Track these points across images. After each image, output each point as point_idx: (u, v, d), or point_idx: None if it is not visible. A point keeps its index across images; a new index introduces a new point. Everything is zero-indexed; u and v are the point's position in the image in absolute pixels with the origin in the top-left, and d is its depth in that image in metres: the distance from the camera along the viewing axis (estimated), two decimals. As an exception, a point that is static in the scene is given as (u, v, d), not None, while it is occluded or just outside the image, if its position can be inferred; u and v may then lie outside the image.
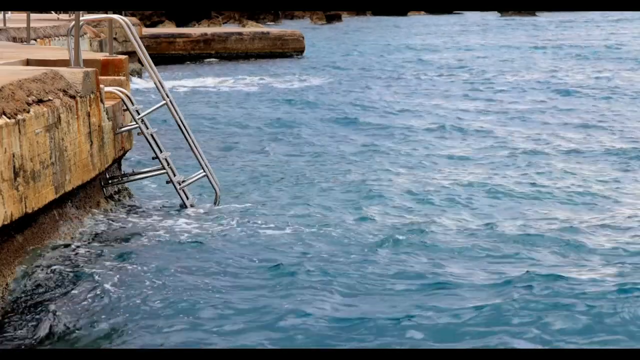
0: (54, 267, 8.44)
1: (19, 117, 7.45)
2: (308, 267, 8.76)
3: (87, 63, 10.56)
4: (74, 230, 9.14)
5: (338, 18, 76.35)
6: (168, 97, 10.90)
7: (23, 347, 7.06)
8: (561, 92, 25.72)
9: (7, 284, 7.47)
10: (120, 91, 10.54)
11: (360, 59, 39.40)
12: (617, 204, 12.23)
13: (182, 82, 29.81)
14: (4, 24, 19.27)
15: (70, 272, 8.59)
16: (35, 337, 7.16)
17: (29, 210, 7.61)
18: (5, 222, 7.12)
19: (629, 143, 17.08)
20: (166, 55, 37.25)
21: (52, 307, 7.73)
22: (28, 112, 7.66)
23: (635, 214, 11.55)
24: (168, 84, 10.88)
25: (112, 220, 10.35)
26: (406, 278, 8.61)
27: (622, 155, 15.78)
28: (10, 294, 7.55)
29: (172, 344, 7.14)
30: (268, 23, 70.19)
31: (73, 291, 8.14)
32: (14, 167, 7.29)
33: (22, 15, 22.62)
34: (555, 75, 30.22)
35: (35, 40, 19.01)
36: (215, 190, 11.06)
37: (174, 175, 10.77)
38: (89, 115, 9.36)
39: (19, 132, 7.41)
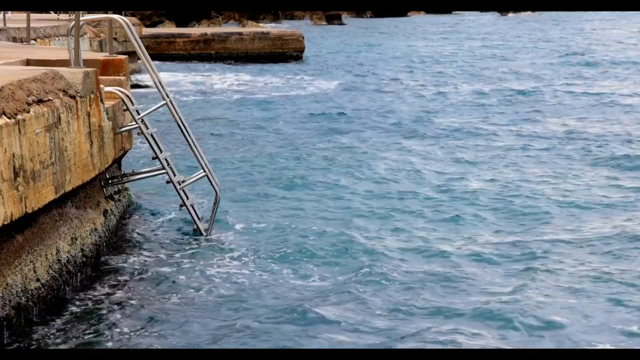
0: (51, 272, 8.42)
1: (19, 117, 7.44)
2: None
3: (87, 63, 10.55)
4: (73, 232, 9.12)
5: (338, 18, 76.37)
6: (168, 97, 10.88)
7: (22, 347, 7.07)
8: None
9: (7, 284, 7.46)
10: (120, 91, 10.53)
11: (360, 59, 39.38)
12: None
13: (180, 83, 29.79)
14: (4, 24, 19.26)
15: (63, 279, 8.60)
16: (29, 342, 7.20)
17: (29, 210, 7.60)
18: (5, 222, 7.11)
19: None
20: (166, 55, 37.30)
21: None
22: (28, 112, 7.65)
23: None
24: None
25: (110, 227, 10.33)
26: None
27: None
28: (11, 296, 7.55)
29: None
30: (268, 23, 70.18)
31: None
32: (14, 167, 7.28)
33: (22, 15, 22.61)
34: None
35: (35, 40, 19.00)
36: (216, 191, 11.04)
37: (174, 175, 10.75)
38: (89, 115, 9.35)
39: (19, 132, 7.41)
